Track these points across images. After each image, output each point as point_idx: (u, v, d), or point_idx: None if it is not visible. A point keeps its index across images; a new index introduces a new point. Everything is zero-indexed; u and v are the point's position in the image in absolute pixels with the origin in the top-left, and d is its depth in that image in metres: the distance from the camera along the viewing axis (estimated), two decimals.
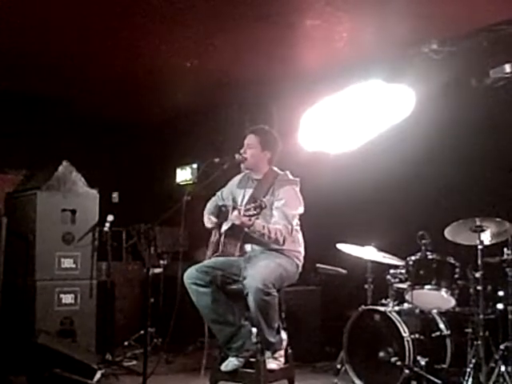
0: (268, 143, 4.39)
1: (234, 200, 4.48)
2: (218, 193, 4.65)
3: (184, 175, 8.21)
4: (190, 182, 8.00)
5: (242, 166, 4.44)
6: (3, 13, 5.03)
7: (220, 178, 4.51)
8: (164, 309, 5.95)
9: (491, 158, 5.19)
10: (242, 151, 4.35)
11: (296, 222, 4.30)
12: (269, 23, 5.27)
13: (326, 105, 6.02)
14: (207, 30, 5.48)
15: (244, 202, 4.33)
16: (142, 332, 6.01)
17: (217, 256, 4.31)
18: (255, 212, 3.88)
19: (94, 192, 6.13)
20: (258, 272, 3.94)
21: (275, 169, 4.43)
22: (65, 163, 6.06)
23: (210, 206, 4.60)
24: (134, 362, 5.76)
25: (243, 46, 5.81)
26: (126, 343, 6.26)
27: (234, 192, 4.52)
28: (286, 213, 4.13)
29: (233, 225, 4.15)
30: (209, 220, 4.43)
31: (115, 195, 7.24)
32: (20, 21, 5.26)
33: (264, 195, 4.18)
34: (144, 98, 7.24)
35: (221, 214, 4.50)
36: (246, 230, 4.02)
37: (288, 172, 4.39)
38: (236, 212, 3.99)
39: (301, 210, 4.27)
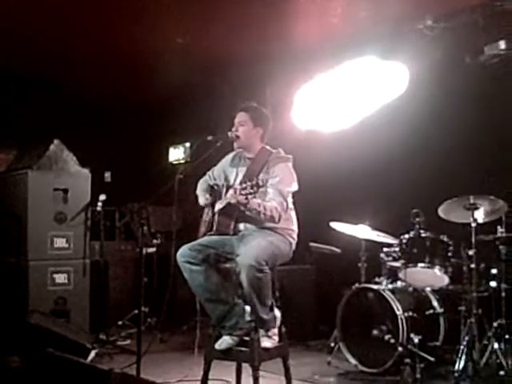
0: (259, 119, 4.35)
1: (227, 179, 4.44)
2: (209, 172, 4.61)
3: (177, 154, 8.17)
4: (183, 161, 7.96)
5: (235, 144, 4.40)
6: None
7: (213, 157, 4.47)
8: (158, 288, 5.96)
9: (485, 135, 5.16)
10: (233, 129, 4.31)
11: (290, 199, 4.27)
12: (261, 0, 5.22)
13: (319, 82, 5.97)
14: (200, 8, 5.42)
15: (237, 181, 4.29)
16: (135, 311, 6.00)
17: (210, 235, 4.28)
18: (252, 191, 3.84)
19: (86, 171, 6.10)
20: (251, 249, 3.91)
21: (267, 147, 4.39)
22: (56, 142, 6.02)
23: (201, 185, 4.56)
24: (128, 342, 5.78)
25: (236, 23, 5.75)
26: (119, 322, 6.26)
27: (227, 171, 4.47)
28: (281, 190, 4.10)
29: (227, 204, 4.12)
30: (203, 197, 4.39)
31: (107, 175, 7.20)
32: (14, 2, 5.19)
33: (258, 173, 4.14)
34: (136, 78, 7.18)
35: (213, 192, 4.46)
36: (241, 208, 3.99)
37: (281, 149, 4.36)
38: (232, 191, 3.95)
39: (295, 186, 4.24)
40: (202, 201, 4.41)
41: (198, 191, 4.51)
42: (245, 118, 4.30)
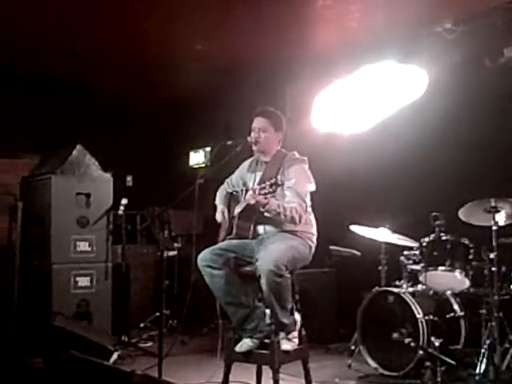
0: (279, 124, 4.38)
1: (245, 185, 4.47)
2: (228, 180, 4.64)
3: (197, 158, 8.22)
4: (204, 165, 8.01)
5: (255, 148, 4.42)
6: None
7: (233, 161, 4.50)
8: (178, 291, 6.01)
9: (506, 137, 5.14)
10: (254, 136, 4.33)
11: (308, 200, 4.29)
12: (281, 4, 5.25)
13: (338, 86, 6.00)
14: (219, 12, 5.45)
15: (255, 185, 4.32)
16: (157, 314, 6.05)
17: (230, 238, 4.31)
18: (271, 190, 3.86)
19: (108, 175, 6.17)
20: (270, 254, 3.93)
21: (283, 150, 4.42)
22: (78, 147, 6.10)
23: (220, 194, 4.59)
24: (150, 344, 5.82)
25: (255, 27, 5.79)
26: (141, 325, 6.31)
27: (245, 177, 4.51)
28: (298, 191, 4.11)
29: (246, 206, 4.14)
30: (221, 214, 4.42)
31: (129, 179, 7.27)
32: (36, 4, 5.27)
33: (274, 176, 4.16)
34: (157, 82, 7.24)
35: (232, 198, 4.49)
36: (261, 209, 4.01)
37: (295, 152, 4.38)
38: (251, 192, 3.97)
39: (312, 187, 4.24)
40: (219, 218, 4.44)
41: (217, 201, 4.55)
42: (266, 124, 4.32)
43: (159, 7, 5.34)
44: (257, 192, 3.90)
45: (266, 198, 3.90)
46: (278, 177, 3.91)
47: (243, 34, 5.96)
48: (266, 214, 4.05)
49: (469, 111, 5.32)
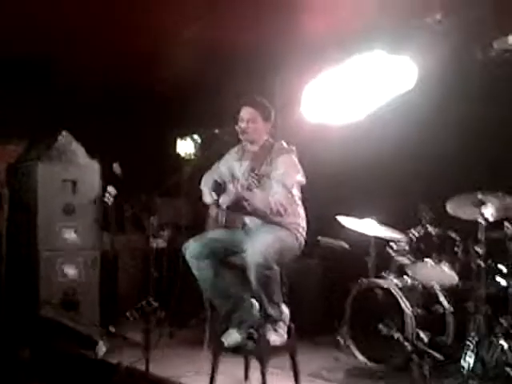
0: (268, 114, 4.37)
1: (232, 173, 4.46)
2: (214, 166, 4.63)
3: (185, 146, 8.14)
4: (191, 153, 7.96)
5: (242, 138, 4.40)
6: None
7: (221, 150, 4.48)
8: (167, 281, 5.99)
9: (494, 131, 5.14)
10: (243, 126, 4.30)
11: (297, 193, 4.28)
12: None
13: (328, 76, 5.96)
14: (208, 1, 5.40)
15: (241, 174, 4.31)
16: (143, 302, 6.03)
17: (217, 229, 4.30)
18: (256, 181, 3.87)
19: (95, 163, 6.12)
20: (258, 246, 3.93)
21: (270, 139, 4.40)
22: (65, 134, 6.05)
23: (205, 180, 4.57)
24: (137, 335, 5.79)
25: (245, 15, 5.72)
26: (128, 314, 6.28)
27: (231, 165, 4.49)
28: (284, 182, 4.11)
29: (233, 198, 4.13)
30: (209, 195, 4.41)
31: (116, 165, 7.21)
32: None
33: (261, 165, 4.14)
34: (144, 69, 7.15)
35: (218, 187, 4.47)
36: (245, 206, 4.01)
37: (283, 141, 4.37)
38: (238, 185, 3.96)
39: (299, 177, 4.24)
40: (207, 199, 4.42)
41: (203, 187, 4.53)
42: (254, 114, 4.31)
43: None
44: (244, 184, 3.90)
45: (251, 191, 3.90)
46: (263, 168, 3.91)
47: (233, 21, 5.89)
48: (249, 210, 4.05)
49: (458, 103, 5.31)
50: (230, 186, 4.17)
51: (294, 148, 4.33)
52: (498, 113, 5.13)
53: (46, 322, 4.94)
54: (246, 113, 4.33)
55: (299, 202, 4.35)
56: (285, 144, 4.35)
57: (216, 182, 4.47)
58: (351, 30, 5.74)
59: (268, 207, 4.01)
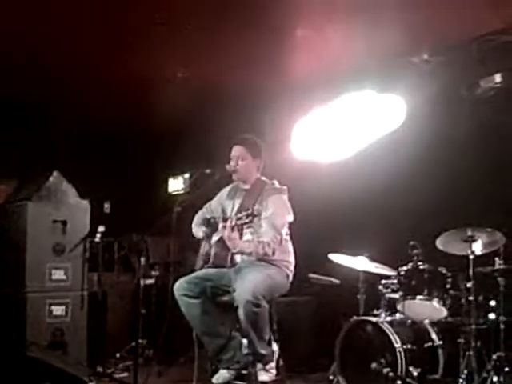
0: (257, 151, 4.41)
1: (224, 211, 4.48)
2: (206, 205, 4.65)
3: (176, 185, 8.19)
4: (182, 192, 7.98)
5: (234, 177, 4.43)
6: None
7: (211, 189, 4.50)
8: (156, 320, 5.93)
9: (482, 167, 5.18)
10: (232, 164, 4.33)
11: (285, 231, 4.29)
12: (260, 34, 5.28)
13: (318, 114, 6.03)
14: (199, 42, 5.48)
15: (233, 213, 4.32)
16: (133, 344, 5.96)
17: (207, 267, 4.29)
18: (247, 220, 3.88)
19: (85, 202, 6.11)
20: (248, 284, 3.92)
21: (263, 178, 4.43)
22: (55, 174, 6.04)
23: (197, 219, 4.59)
24: (126, 374, 5.70)
25: (235, 56, 5.81)
26: (117, 355, 6.21)
27: (224, 203, 4.52)
28: (274, 223, 4.12)
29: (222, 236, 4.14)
30: (198, 230, 4.42)
31: (107, 205, 7.20)
32: (8, 30, 5.26)
33: (252, 205, 4.16)
34: (135, 109, 7.23)
35: (210, 225, 4.48)
36: (232, 249, 4.02)
37: (275, 181, 4.39)
38: (228, 224, 3.96)
39: (290, 218, 4.26)
40: (196, 233, 4.43)
41: (194, 225, 4.54)
42: (243, 152, 4.34)
43: (140, 35, 5.35)
44: (233, 222, 3.90)
45: (241, 230, 3.91)
46: (255, 207, 3.92)
47: (224, 62, 5.99)
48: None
49: (446, 140, 5.36)
50: (220, 225, 4.18)
51: (285, 188, 4.36)
52: (486, 149, 5.19)
53: (34, 363, 4.85)
54: (235, 151, 4.39)
55: (287, 238, 4.36)
56: (277, 184, 4.37)
57: (208, 220, 4.50)
58: (340, 70, 5.83)
59: (255, 252, 4.02)
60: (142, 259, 4.87)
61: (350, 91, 5.77)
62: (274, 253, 4.10)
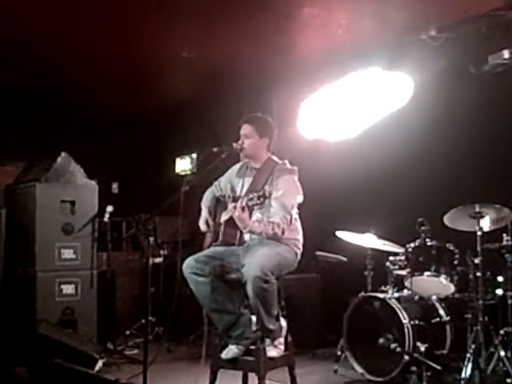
0: (264, 130, 4.37)
1: (233, 189, 4.46)
2: (216, 182, 4.63)
3: (183, 165, 8.20)
4: (190, 172, 8.00)
5: (241, 154, 4.42)
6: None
7: (218, 168, 4.49)
8: (164, 298, 5.98)
9: (489, 143, 5.17)
10: (239, 142, 4.33)
11: (295, 211, 4.28)
12: (267, 12, 5.25)
13: (325, 93, 6.01)
14: (205, 19, 5.45)
15: (243, 192, 4.31)
16: (143, 321, 6.02)
17: (216, 245, 4.30)
18: (258, 202, 3.85)
19: (93, 183, 6.15)
20: (257, 260, 3.92)
21: (274, 158, 4.41)
22: (63, 154, 6.07)
23: (207, 196, 4.58)
24: (135, 351, 5.78)
25: (242, 35, 5.78)
26: (127, 332, 6.27)
27: (233, 181, 4.50)
28: (284, 203, 4.11)
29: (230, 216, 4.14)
30: (205, 224, 4.42)
31: (115, 186, 7.24)
32: (14, 14, 5.26)
33: (263, 184, 4.15)
34: (143, 89, 7.22)
35: (219, 204, 4.49)
36: (242, 229, 4.02)
37: (286, 161, 4.37)
38: (239, 203, 3.95)
39: (299, 199, 4.25)
40: (202, 227, 4.43)
41: (202, 204, 4.54)
42: (250, 130, 4.31)
43: (146, 14, 5.33)
44: (244, 203, 3.88)
45: (251, 210, 3.90)
46: (266, 188, 3.90)
47: (230, 41, 5.96)
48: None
49: (454, 117, 5.35)
50: (230, 204, 4.17)
51: (296, 168, 4.34)
52: (493, 126, 5.17)
53: (44, 340, 4.90)
54: (243, 129, 4.35)
55: (297, 217, 4.36)
56: (288, 164, 4.35)
57: (217, 199, 4.50)
58: (347, 48, 5.80)
59: (264, 233, 4.03)
60: (151, 238, 4.87)
61: (357, 69, 5.74)
62: (283, 233, 4.10)
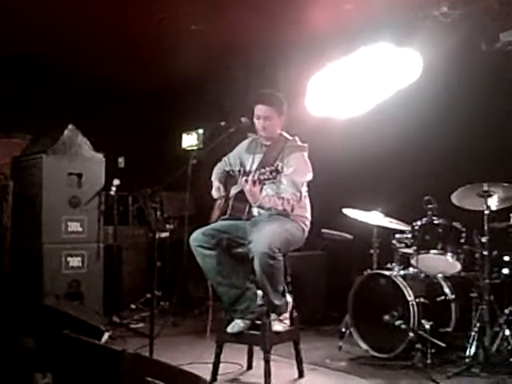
0: (282, 109, 4.34)
1: (242, 165, 4.45)
2: (225, 158, 4.62)
3: (190, 140, 8.19)
4: (196, 147, 7.98)
5: (263, 135, 4.36)
6: None
7: (226, 142, 4.48)
8: (170, 272, 6.00)
9: (500, 122, 5.14)
10: (260, 124, 4.27)
11: (305, 188, 4.28)
12: None
13: (333, 69, 5.96)
14: None
15: (254, 167, 4.30)
16: (148, 295, 6.05)
17: (223, 219, 4.31)
18: (271, 176, 3.83)
19: (100, 156, 6.14)
20: (264, 236, 3.93)
21: (284, 134, 4.39)
22: (70, 127, 6.06)
23: (216, 171, 4.58)
24: (141, 325, 5.83)
25: (250, 9, 5.73)
26: (133, 306, 6.31)
27: (242, 157, 4.49)
28: (295, 180, 4.10)
29: (242, 189, 4.13)
30: (217, 191, 4.42)
31: (121, 160, 7.23)
32: None
33: (274, 161, 4.14)
34: (150, 63, 7.18)
35: (229, 178, 4.49)
36: (252, 204, 4.02)
37: (297, 138, 4.35)
38: (250, 177, 3.93)
39: (309, 176, 4.24)
40: (215, 193, 4.45)
41: (213, 178, 4.54)
42: (271, 113, 4.26)
43: None
44: (256, 177, 3.87)
45: (260, 184, 3.89)
46: (279, 163, 3.88)
47: (238, 16, 5.91)
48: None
49: (464, 95, 5.30)
50: (240, 179, 4.17)
51: (306, 145, 4.32)
52: (503, 104, 5.13)
53: (50, 312, 4.93)
54: (261, 111, 4.27)
55: (306, 194, 4.36)
56: (298, 141, 4.33)
57: (227, 173, 4.50)
58: (357, 23, 5.75)
59: (274, 208, 4.03)
60: (157, 213, 4.88)
61: (366, 45, 5.69)
62: (292, 210, 4.10)
